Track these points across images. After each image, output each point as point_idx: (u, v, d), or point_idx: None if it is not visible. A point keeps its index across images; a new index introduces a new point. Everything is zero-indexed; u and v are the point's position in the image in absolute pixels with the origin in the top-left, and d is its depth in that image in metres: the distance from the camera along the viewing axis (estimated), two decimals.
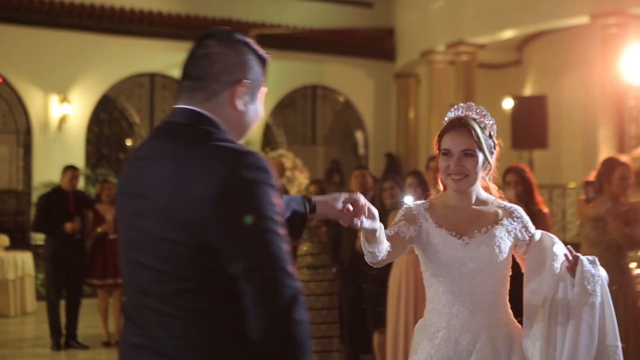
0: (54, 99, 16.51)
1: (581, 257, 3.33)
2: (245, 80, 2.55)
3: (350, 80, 19.90)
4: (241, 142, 2.59)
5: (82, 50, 16.87)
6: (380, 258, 3.35)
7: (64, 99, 16.49)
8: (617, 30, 14.12)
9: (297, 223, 2.91)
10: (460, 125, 3.52)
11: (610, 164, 6.59)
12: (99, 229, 10.10)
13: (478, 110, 3.60)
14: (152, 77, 18.46)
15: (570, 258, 3.34)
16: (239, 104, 2.55)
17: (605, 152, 12.99)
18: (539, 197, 6.75)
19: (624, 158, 7.13)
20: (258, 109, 2.63)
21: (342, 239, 8.38)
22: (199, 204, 2.27)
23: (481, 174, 3.54)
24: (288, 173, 14.68)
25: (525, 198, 6.40)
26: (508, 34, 16.56)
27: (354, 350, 8.66)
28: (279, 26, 19.12)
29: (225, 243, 2.27)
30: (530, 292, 3.47)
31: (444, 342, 3.46)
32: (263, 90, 2.63)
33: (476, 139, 3.47)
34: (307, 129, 20.55)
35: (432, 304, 3.57)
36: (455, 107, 3.64)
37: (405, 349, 7.21)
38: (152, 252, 2.36)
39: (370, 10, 20.45)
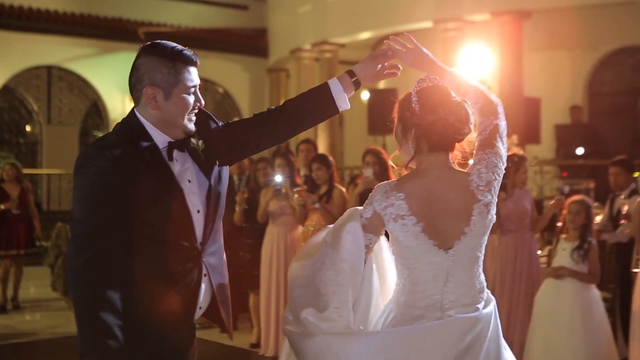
0: None
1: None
2: (150, 86, 2.71)
3: (229, 73, 20.17)
4: (177, 132, 2.76)
5: None
6: None
7: None
8: (456, 33, 14.80)
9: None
10: None
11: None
12: (3, 206, 10.18)
13: None
14: (49, 69, 18.62)
15: None
16: (152, 105, 2.72)
17: None
18: (392, 175, 6.63)
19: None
20: (180, 103, 2.72)
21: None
22: None
23: None
24: None
25: (381, 176, 6.65)
26: (365, 35, 16.99)
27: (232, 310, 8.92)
28: (165, 25, 19.39)
29: None
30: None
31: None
32: (184, 86, 2.72)
33: None
34: None
35: None
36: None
37: (276, 308, 7.42)
38: None
39: (246, 12, 20.86)
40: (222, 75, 20.24)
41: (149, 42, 2.77)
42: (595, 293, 6.09)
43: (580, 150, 14.16)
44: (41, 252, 11.03)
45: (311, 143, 8.51)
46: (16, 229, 10.29)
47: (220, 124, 3.01)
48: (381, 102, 15.64)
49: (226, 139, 2.96)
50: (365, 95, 18.18)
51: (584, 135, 14.65)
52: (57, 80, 18.93)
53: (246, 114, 20.69)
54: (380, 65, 2.99)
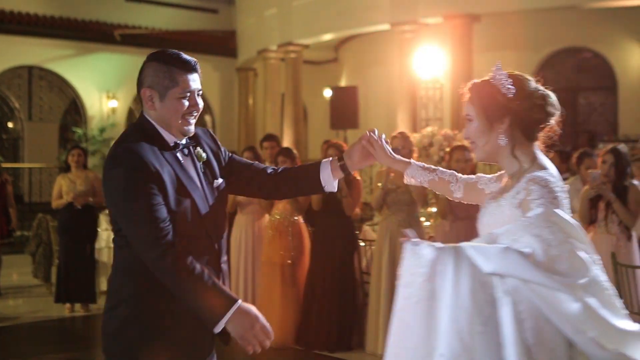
0: None
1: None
2: (147, 88, 2.72)
3: (200, 72, 20.25)
4: (175, 132, 2.75)
5: None
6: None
7: None
8: (411, 35, 14.80)
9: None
10: None
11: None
12: None
13: None
14: (30, 69, 18.45)
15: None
16: (149, 105, 2.74)
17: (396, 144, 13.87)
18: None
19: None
20: (174, 105, 2.70)
21: None
22: None
23: None
24: None
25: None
26: (327, 36, 16.91)
27: None
28: (139, 27, 19.27)
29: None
30: None
31: None
32: (178, 89, 2.69)
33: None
34: None
35: None
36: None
37: (244, 296, 7.37)
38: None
39: (216, 16, 20.85)
40: None
41: (155, 50, 2.79)
42: None
43: None
44: (22, 241, 10.94)
45: (275, 140, 8.42)
46: None
47: (223, 149, 3.00)
48: (342, 98, 16.00)
49: (234, 172, 2.97)
50: (327, 92, 18.35)
51: None
52: (37, 79, 18.77)
53: (217, 109, 20.80)
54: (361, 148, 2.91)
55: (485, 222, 2.54)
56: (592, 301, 2.23)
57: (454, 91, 14.17)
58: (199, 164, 2.83)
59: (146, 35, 19.04)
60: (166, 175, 2.66)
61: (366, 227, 8.36)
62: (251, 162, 3.08)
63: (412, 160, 2.90)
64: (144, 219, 2.57)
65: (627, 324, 2.29)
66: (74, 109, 19.22)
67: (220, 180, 2.88)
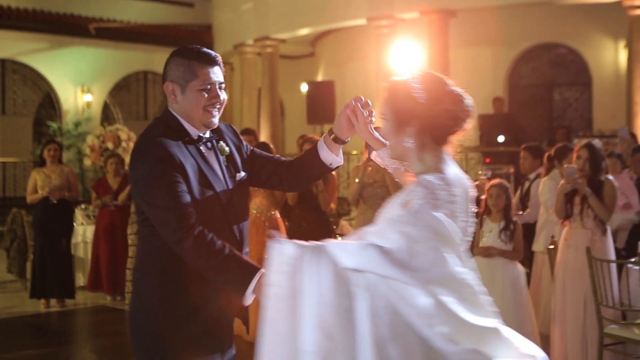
0: None
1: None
2: (166, 82, 2.82)
3: None
4: (198, 124, 2.82)
5: None
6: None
7: None
8: (388, 30, 14.76)
9: None
10: None
11: None
12: None
13: None
14: (3, 62, 18.31)
15: None
16: (171, 99, 2.82)
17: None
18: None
19: None
20: (194, 97, 2.77)
21: None
22: None
23: None
24: (124, 144, 14.73)
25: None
26: (304, 31, 16.78)
27: None
28: (114, 21, 19.15)
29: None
30: None
31: None
32: (198, 82, 2.77)
33: None
34: (140, 107, 20.59)
35: None
36: None
37: None
38: None
39: (192, 9, 20.72)
40: None
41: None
42: (519, 268, 6.20)
43: (501, 138, 14.38)
44: None
45: (252, 134, 8.42)
46: None
47: (244, 143, 3.06)
48: (319, 93, 16.03)
49: (255, 166, 3.03)
50: (304, 87, 18.33)
51: (505, 125, 14.87)
52: (11, 72, 18.60)
53: None
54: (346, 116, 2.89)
55: (380, 219, 2.51)
56: (447, 297, 2.22)
57: None
58: (221, 158, 2.90)
59: (121, 29, 18.94)
60: (189, 167, 2.73)
61: (343, 222, 8.40)
62: (272, 155, 3.15)
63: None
64: (168, 204, 2.64)
65: (484, 321, 2.27)
66: (49, 102, 19.07)
67: (242, 174, 2.96)
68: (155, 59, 19.75)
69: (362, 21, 15.27)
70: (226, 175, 2.88)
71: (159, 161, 2.67)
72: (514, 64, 17.02)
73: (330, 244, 2.30)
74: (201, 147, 2.83)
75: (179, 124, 2.82)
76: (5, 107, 18.66)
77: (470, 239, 2.50)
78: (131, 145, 15.21)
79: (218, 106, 2.84)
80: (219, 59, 2.85)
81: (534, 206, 7.52)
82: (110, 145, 13.87)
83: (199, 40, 19.76)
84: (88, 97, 18.68)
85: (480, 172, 6.63)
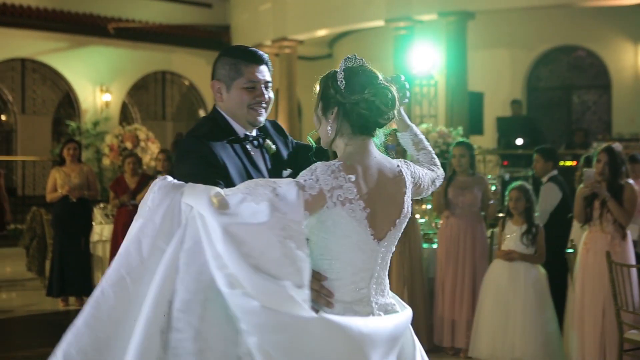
0: None
1: None
2: (213, 81, 2.88)
3: (194, 67, 20.04)
4: (243, 122, 2.85)
5: None
6: None
7: None
8: (406, 32, 14.78)
9: None
10: None
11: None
12: None
13: None
14: (23, 61, 18.33)
15: None
16: (217, 97, 2.87)
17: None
18: None
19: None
20: (238, 95, 2.80)
21: None
22: None
23: None
24: (142, 144, 14.74)
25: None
26: (322, 32, 16.85)
27: None
28: (133, 21, 19.17)
29: None
30: None
31: None
32: (242, 80, 2.80)
33: None
34: (158, 107, 20.60)
35: None
36: None
37: None
38: None
39: (210, 10, 20.66)
40: (187, 68, 20.25)
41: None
42: (541, 271, 6.18)
43: (519, 141, 14.34)
44: (17, 234, 10.91)
45: None
46: None
47: (290, 138, 3.11)
48: None
49: (299, 159, 3.01)
50: None
51: (523, 127, 14.83)
52: (30, 72, 18.65)
53: (210, 104, 20.48)
54: None
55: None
56: (247, 250, 2.23)
57: (448, 89, 14.23)
58: (267, 156, 2.91)
59: (140, 29, 18.96)
60: (233, 167, 2.73)
61: None
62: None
63: (413, 126, 2.97)
64: None
65: (272, 280, 2.22)
66: (68, 102, 19.16)
67: (288, 171, 2.95)
68: (173, 59, 19.93)
69: (380, 22, 15.27)
70: (272, 174, 2.88)
71: (202, 161, 2.68)
72: (533, 66, 16.98)
73: (190, 184, 2.39)
74: (248, 146, 2.85)
75: (226, 123, 2.85)
76: (25, 106, 18.75)
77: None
78: (150, 145, 15.28)
79: (264, 105, 2.85)
80: (266, 57, 2.87)
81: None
82: (129, 145, 13.90)
83: (217, 40, 19.91)
84: (107, 97, 18.75)
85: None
